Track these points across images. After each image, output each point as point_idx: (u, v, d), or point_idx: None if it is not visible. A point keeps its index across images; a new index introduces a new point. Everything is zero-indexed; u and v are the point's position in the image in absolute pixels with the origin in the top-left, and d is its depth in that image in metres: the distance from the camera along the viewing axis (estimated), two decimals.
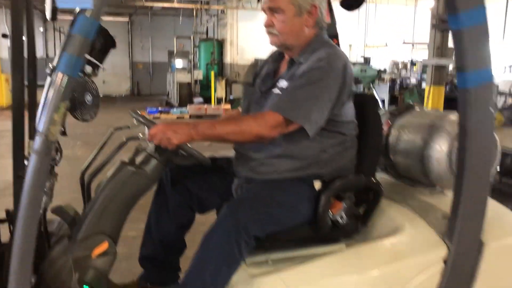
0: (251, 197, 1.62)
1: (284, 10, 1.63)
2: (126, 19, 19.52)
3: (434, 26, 7.40)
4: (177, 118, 11.76)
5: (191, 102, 13.22)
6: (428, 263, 1.59)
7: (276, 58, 1.85)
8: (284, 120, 1.55)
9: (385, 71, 14.45)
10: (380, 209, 1.78)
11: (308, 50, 1.68)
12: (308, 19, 1.67)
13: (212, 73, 13.51)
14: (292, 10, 1.63)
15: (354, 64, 14.72)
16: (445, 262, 1.58)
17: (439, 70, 7.38)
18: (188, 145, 1.59)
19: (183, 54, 15.53)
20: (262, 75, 1.85)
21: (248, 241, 1.48)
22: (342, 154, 1.72)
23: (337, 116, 1.67)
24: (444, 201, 1.76)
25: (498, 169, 2.14)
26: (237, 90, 13.71)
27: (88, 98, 1.61)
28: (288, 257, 1.62)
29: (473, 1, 1.43)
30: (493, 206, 1.78)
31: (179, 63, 14.85)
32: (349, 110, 1.72)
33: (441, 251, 1.60)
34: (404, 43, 15.69)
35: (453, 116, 1.78)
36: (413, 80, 12.62)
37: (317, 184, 1.69)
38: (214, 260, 1.48)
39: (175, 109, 12.54)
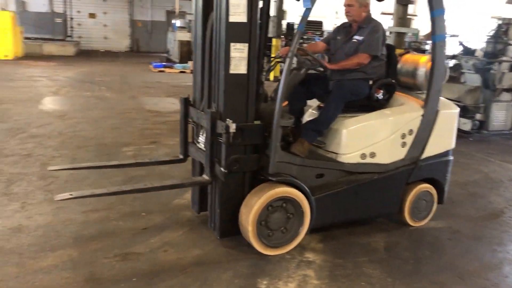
0: (343, 85, 3.49)
1: (354, 4, 3.56)
2: None
3: (397, 1, 9.85)
4: (180, 72, 12.92)
5: (190, 59, 14.37)
6: (416, 116, 3.67)
7: (347, 26, 3.86)
8: (369, 54, 3.43)
9: None
10: (395, 96, 3.88)
11: (366, 22, 3.65)
12: (364, 8, 3.52)
13: None
14: (358, 3, 3.60)
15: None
16: (423, 115, 3.70)
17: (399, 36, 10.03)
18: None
19: (182, 15, 16.67)
20: (341, 34, 3.90)
21: (343, 101, 3.55)
22: (380, 69, 3.67)
23: (382, 51, 3.60)
24: (423, 95, 3.80)
25: None
26: None
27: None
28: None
29: None
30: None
31: (180, 22, 15.68)
32: (384, 48, 3.72)
33: (421, 112, 3.64)
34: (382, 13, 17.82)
35: (428, 56, 3.88)
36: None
37: (370, 83, 3.72)
38: (333, 108, 3.46)
39: (178, 64, 13.59)
